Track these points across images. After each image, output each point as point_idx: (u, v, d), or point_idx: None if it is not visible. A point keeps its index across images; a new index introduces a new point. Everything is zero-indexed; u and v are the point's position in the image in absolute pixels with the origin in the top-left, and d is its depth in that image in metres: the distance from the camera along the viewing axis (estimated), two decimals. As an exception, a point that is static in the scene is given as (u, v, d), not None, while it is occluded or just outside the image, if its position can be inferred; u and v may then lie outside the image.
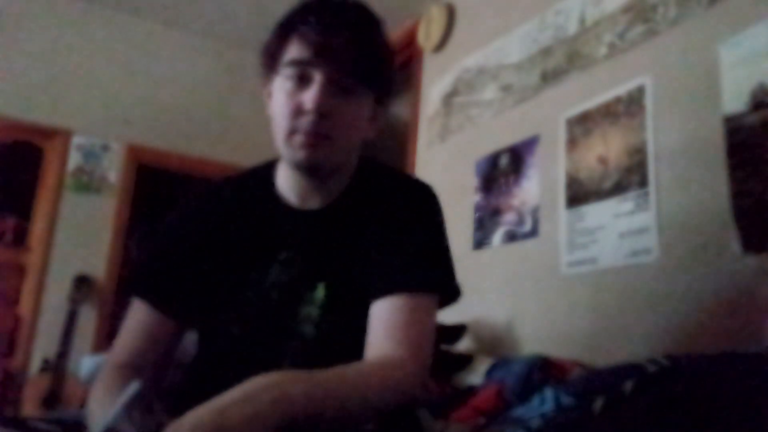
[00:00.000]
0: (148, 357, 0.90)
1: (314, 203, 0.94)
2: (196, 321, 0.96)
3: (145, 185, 3.58)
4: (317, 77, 0.84)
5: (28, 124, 3.27)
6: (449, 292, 0.92)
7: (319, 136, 0.85)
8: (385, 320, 0.83)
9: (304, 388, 0.66)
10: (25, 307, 3.13)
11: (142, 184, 3.55)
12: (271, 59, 0.91)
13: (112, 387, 0.82)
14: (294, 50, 0.86)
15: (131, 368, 0.87)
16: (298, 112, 0.85)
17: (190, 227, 0.97)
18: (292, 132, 0.86)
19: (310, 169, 0.89)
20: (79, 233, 3.27)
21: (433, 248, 0.92)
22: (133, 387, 0.64)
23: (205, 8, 3.46)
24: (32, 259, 3.20)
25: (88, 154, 3.37)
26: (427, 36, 2.90)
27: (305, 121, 0.84)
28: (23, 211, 3.33)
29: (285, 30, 0.88)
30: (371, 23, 0.90)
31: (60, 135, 3.32)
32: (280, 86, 0.88)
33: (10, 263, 3.22)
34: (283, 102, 0.87)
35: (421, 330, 0.83)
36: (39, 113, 3.28)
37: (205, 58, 3.75)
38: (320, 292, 0.90)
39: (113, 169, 3.42)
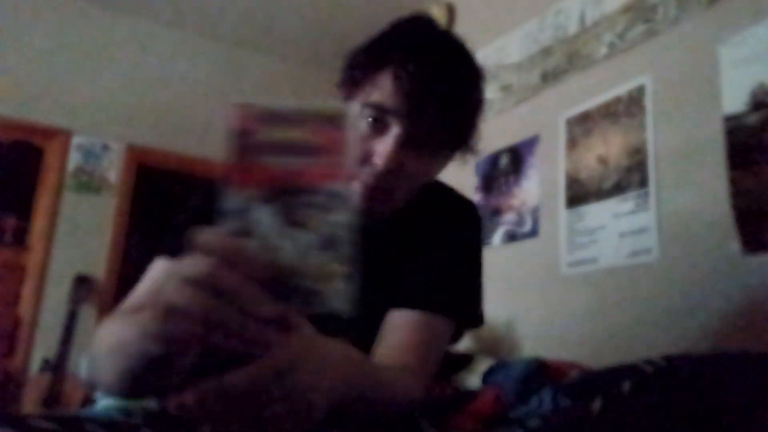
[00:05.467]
0: None
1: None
2: None
3: (145, 185, 3.58)
4: (395, 130, 0.76)
5: (28, 124, 3.27)
6: (471, 320, 0.90)
7: (380, 192, 0.78)
8: (398, 333, 0.81)
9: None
10: (25, 307, 3.13)
11: (142, 184, 3.55)
12: (351, 85, 0.81)
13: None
14: (379, 91, 0.77)
15: None
16: (365, 159, 0.77)
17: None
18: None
19: (364, 217, 0.81)
20: (79, 233, 3.27)
21: (465, 273, 0.89)
22: None
23: (205, 8, 3.46)
24: (32, 259, 3.21)
25: (88, 154, 3.37)
26: (427, 36, 2.90)
27: (369, 173, 0.76)
28: (23, 211, 3.33)
29: (376, 59, 0.78)
30: (472, 79, 0.81)
31: (60, 135, 3.32)
32: None
33: (10, 263, 3.22)
34: None
35: (431, 351, 0.82)
36: (39, 113, 3.28)
37: (205, 58, 3.75)
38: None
39: (113, 169, 3.42)
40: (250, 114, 0.46)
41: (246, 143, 0.45)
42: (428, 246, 0.87)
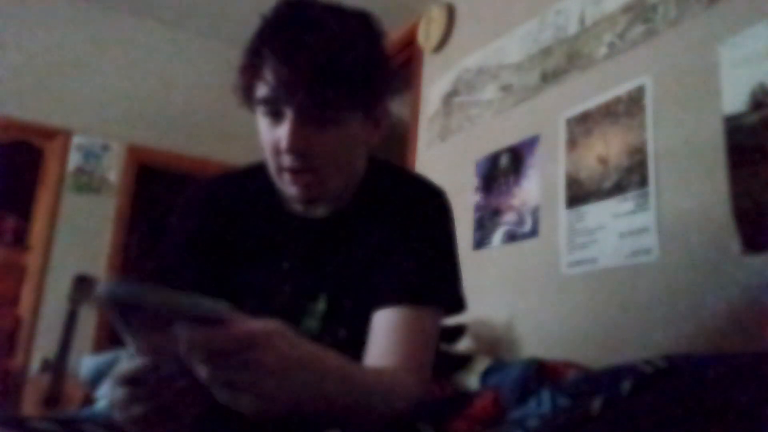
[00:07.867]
0: None
1: (320, 211, 0.90)
2: None
3: (145, 185, 3.59)
4: (288, 114, 0.78)
5: (28, 124, 3.27)
6: (454, 305, 0.90)
7: (305, 173, 0.81)
8: (387, 332, 0.80)
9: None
10: (25, 307, 3.13)
11: (142, 184, 3.55)
12: (245, 93, 0.83)
13: None
14: (262, 85, 0.79)
15: None
16: (277, 150, 0.81)
17: (194, 226, 0.92)
18: (279, 170, 0.82)
19: (307, 203, 0.86)
20: (79, 233, 3.27)
21: (441, 259, 0.89)
22: None
23: (205, 8, 3.46)
24: (32, 259, 3.21)
25: (88, 154, 3.37)
26: (427, 36, 2.90)
27: (286, 160, 0.80)
28: (23, 211, 3.33)
29: (253, 58, 0.81)
30: (348, 34, 0.79)
31: (60, 135, 3.33)
32: (260, 118, 0.83)
33: (10, 263, 3.22)
34: (264, 137, 0.82)
35: (423, 345, 0.81)
36: (39, 113, 3.28)
37: (205, 58, 3.75)
38: (321, 304, 0.87)
39: (113, 169, 3.42)
40: None
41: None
42: (396, 236, 0.88)
